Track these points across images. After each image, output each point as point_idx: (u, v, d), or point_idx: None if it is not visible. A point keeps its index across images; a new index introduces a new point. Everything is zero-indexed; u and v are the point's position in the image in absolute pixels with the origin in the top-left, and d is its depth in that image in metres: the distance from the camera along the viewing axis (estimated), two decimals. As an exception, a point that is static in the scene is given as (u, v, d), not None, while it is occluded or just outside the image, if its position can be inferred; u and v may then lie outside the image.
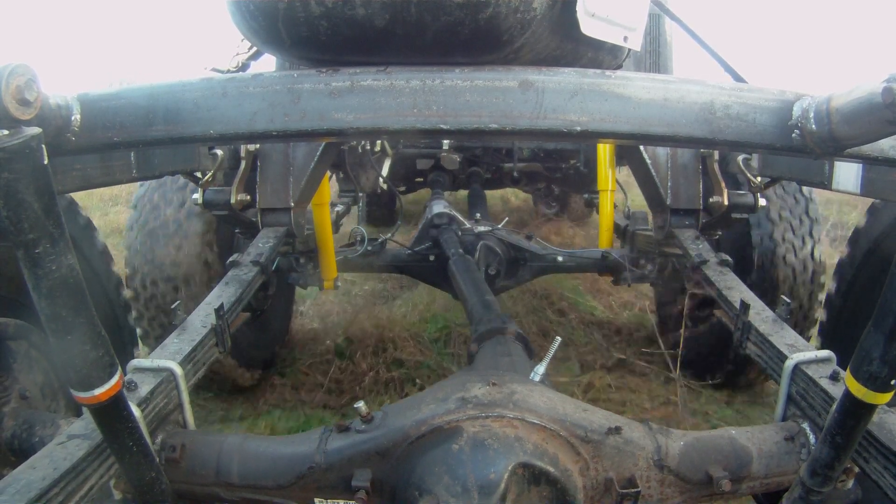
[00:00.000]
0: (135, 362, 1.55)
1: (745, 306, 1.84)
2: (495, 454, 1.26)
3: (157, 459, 1.35)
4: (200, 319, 1.86)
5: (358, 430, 1.39)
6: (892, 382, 0.99)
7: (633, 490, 1.31)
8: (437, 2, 1.06)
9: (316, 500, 1.38)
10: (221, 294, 2.06)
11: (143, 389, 1.45)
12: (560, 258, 3.24)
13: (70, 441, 1.27)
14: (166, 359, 1.58)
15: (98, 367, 1.02)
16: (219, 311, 1.87)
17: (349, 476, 1.34)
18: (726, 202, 2.49)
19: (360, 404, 1.39)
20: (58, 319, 0.95)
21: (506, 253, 3.17)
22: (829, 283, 2.41)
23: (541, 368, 1.60)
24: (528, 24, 1.14)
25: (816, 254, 2.95)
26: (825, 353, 1.53)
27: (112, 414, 1.09)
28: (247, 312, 2.27)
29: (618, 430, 1.34)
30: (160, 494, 1.26)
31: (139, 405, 1.38)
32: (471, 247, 3.13)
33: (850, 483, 1.36)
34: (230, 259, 2.36)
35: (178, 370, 1.55)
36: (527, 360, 1.83)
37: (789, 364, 1.53)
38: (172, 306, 1.83)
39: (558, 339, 1.72)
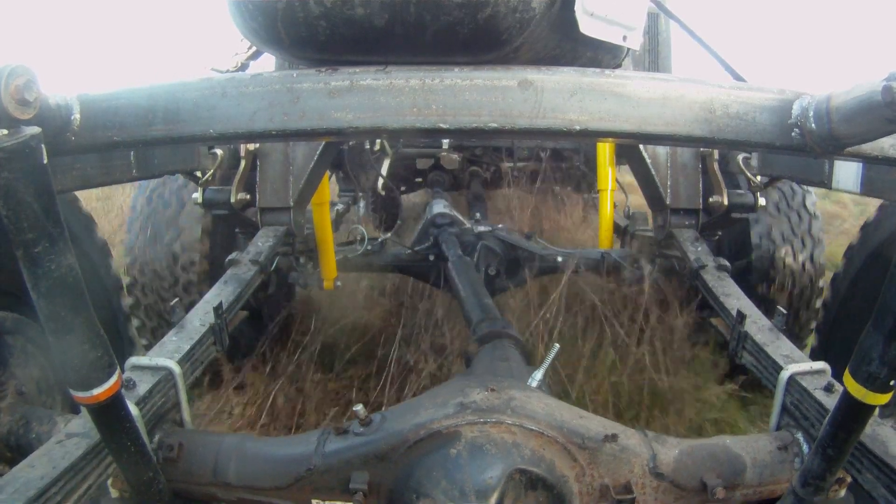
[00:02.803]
0: (133, 360, 1.55)
1: (741, 316, 1.85)
2: (493, 459, 1.27)
3: (155, 458, 1.36)
4: (199, 318, 1.86)
5: (356, 433, 1.39)
6: (892, 383, 0.99)
7: (628, 497, 1.32)
8: (437, 1, 1.05)
9: (313, 501, 1.38)
10: (220, 293, 2.06)
11: (142, 388, 1.45)
12: (560, 258, 3.24)
13: (69, 439, 1.28)
14: (164, 357, 1.58)
15: (97, 366, 1.02)
16: (217, 309, 1.87)
17: (347, 479, 1.34)
18: (726, 202, 2.49)
19: (359, 407, 1.39)
20: (57, 319, 0.96)
21: (505, 253, 3.17)
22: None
23: (539, 374, 1.60)
24: (527, 24, 1.14)
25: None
26: (820, 364, 1.54)
27: (110, 414, 1.09)
28: (245, 311, 2.27)
29: (614, 437, 1.35)
30: (157, 494, 1.26)
31: (137, 404, 1.39)
32: (470, 247, 3.13)
33: (842, 493, 1.37)
34: (229, 258, 2.36)
35: (177, 369, 1.55)
36: (524, 366, 1.83)
37: (784, 375, 1.54)
38: (171, 304, 1.83)
39: (556, 345, 1.71)
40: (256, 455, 1.44)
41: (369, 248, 3.20)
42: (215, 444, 1.46)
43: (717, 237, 2.85)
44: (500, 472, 1.25)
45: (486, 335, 2.01)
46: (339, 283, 2.99)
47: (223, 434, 1.64)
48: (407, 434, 1.33)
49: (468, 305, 2.43)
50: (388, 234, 3.32)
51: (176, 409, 1.56)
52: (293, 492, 1.39)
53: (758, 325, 1.82)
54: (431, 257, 3.21)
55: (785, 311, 1.80)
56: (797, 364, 1.56)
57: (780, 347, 1.69)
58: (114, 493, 1.36)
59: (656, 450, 1.38)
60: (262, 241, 2.48)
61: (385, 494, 1.35)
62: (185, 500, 1.45)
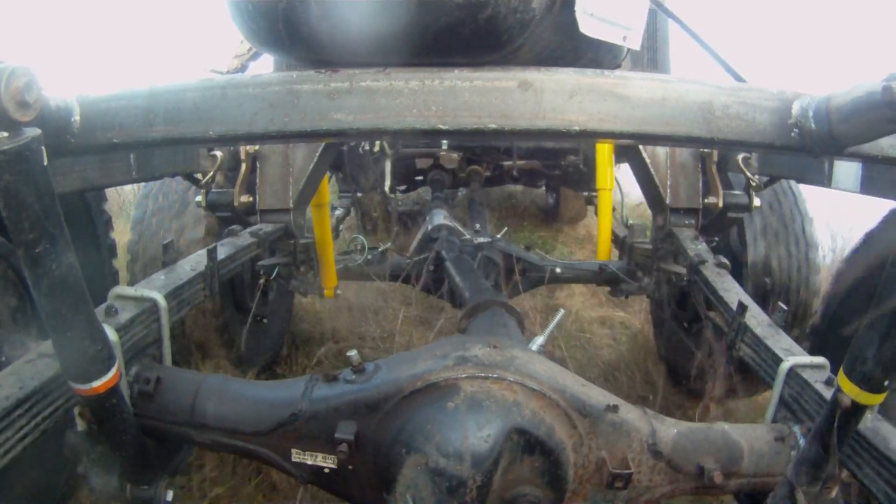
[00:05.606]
0: (117, 289, 1.49)
1: (741, 307, 1.83)
2: (491, 416, 1.22)
3: (130, 392, 1.29)
4: (191, 263, 1.83)
5: (347, 380, 1.31)
6: (885, 383, 0.99)
7: (625, 471, 1.29)
8: (437, 2, 1.06)
9: (293, 451, 1.31)
10: (216, 247, 2.05)
11: (124, 316, 1.39)
12: (558, 269, 3.23)
13: (39, 359, 1.21)
14: (151, 289, 1.53)
15: (96, 360, 1.03)
16: (211, 252, 1.84)
17: (332, 428, 1.27)
18: (721, 202, 2.49)
19: (353, 353, 1.33)
20: (57, 316, 0.97)
21: (505, 264, 3.17)
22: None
23: (540, 339, 1.55)
24: (527, 24, 1.14)
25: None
26: (820, 359, 1.53)
27: (108, 405, 1.10)
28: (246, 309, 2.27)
29: (615, 407, 1.31)
30: (146, 473, 1.25)
31: (117, 331, 1.32)
32: (470, 257, 3.13)
33: (835, 491, 1.36)
34: (228, 228, 2.39)
35: (162, 302, 1.50)
36: (521, 334, 1.79)
37: (784, 366, 1.53)
38: (164, 243, 1.79)
39: (561, 310, 1.65)
40: (239, 396, 1.36)
41: (369, 257, 3.21)
42: (195, 383, 1.38)
43: (714, 243, 2.83)
44: (498, 430, 1.20)
45: (481, 304, 1.96)
46: (339, 292, 3.00)
47: (206, 374, 1.53)
48: (402, 384, 1.26)
49: (464, 285, 2.39)
50: (389, 245, 3.32)
51: (157, 344, 1.50)
52: (273, 438, 1.31)
53: (757, 320, 1.80)
54: (431, 267, 3.21)
55: (785, 308, 1.79)
56: (797, 357, 1.55)
57: (779, 341, 1.68)
58: (80, 426, 1.29)
59: (656, 427, 1.35)
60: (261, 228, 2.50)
61: (371, 447, 1.28)
62: (155, 439, 1.36)
